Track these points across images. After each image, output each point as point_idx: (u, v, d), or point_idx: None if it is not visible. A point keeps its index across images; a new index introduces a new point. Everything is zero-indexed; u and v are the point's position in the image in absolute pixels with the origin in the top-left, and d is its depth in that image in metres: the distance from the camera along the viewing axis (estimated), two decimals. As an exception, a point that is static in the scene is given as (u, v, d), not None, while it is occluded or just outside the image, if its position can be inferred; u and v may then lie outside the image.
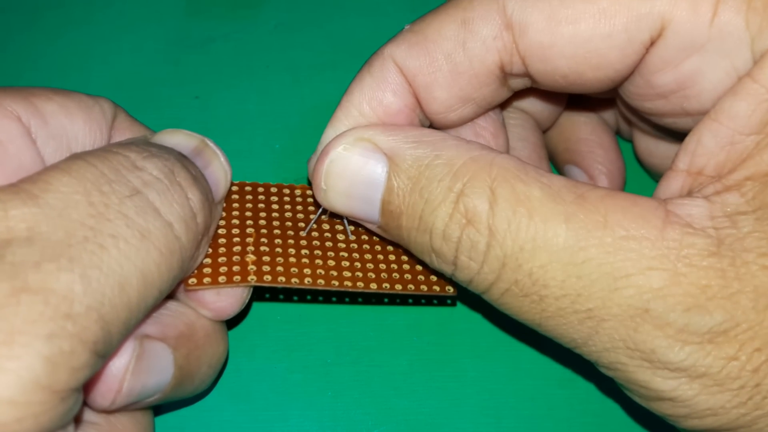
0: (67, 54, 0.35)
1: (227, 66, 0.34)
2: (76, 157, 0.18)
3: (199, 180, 0.20)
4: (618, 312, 0.18)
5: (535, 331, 0.26)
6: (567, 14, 0.20)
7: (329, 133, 0.23)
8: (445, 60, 0.21)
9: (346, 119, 0.23)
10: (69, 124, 0.21)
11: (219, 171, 0.22)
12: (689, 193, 0.20)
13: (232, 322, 0.25)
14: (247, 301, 0.22)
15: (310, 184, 0.25)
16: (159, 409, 0.24)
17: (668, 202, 0.19)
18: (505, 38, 0.21)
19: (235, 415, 0.24)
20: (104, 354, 0.16)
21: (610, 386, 0.25)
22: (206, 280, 0.21)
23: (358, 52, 0.35)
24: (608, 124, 0.30)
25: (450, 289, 0.23)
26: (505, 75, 0.22)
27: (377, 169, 0.21)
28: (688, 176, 0.20)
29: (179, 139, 0.22)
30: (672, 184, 0.21)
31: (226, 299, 0.22)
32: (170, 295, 0.22)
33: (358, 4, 0.38)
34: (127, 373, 0.19)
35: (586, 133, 0.29)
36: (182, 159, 0.20)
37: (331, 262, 0.23)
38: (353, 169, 0.21)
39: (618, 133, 0.31)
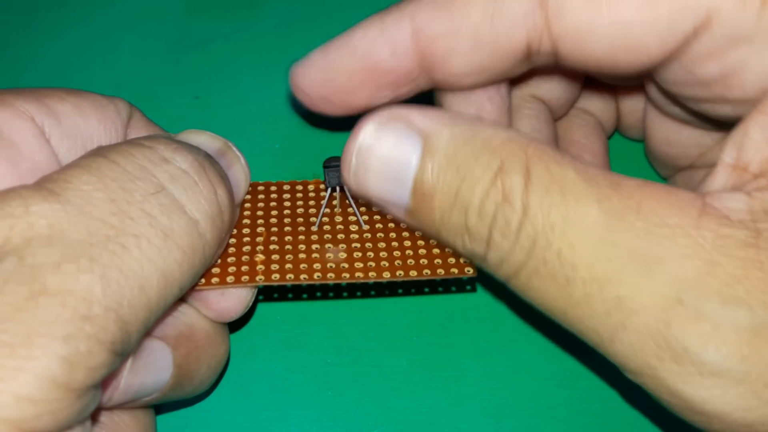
0: (67, 54, 0.35)
1: (227, 66, 0.34)
2: (96, 154, 0.18)
3: (225, 179, 0.20)
4: (649, 302, 0.17)
5: (535, 331, 0.26)
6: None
7: (317, 53, 0.22)
8: (469, 30, 0.21)
9: (336, 56, 0.22)
10: (83, 123, 0.21)
11: (240, 173, 0.22)
12: (733, 189, 0.19)
13: (235, 326, 0.25)
14: (250, 304, 0.22)
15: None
16: (159, 408, 0.24)
17: (706, 195, 0.18)
18: (537, 18, 0.20)
19: (235, 415, 0.24)
20: (122, 353, 0.16)
21: (611, 386, 0.25)
22: (214, 280, 0.21)
23: (358, 52, 0.35)
24: (604, 129, 0.30)
25: (469, 270, 0.22)
26: (530, 52, 0.21)
27: (411, 148, 0.20)
28: (734, 171, 0.19)
29: (203, 139, 0.22)
30: (717, 179, 0.20)
31: (230, 301, 0.22)
32: None
33: (358, 4, 0.38)
34: (125, 369, 0.19)
35: (579, 136, 0.28)
36: (209, 157, 0.20)
37: (342, 254, 0.23)
38: (386, 147, 0.20)
39: (621, 132, 0.31)
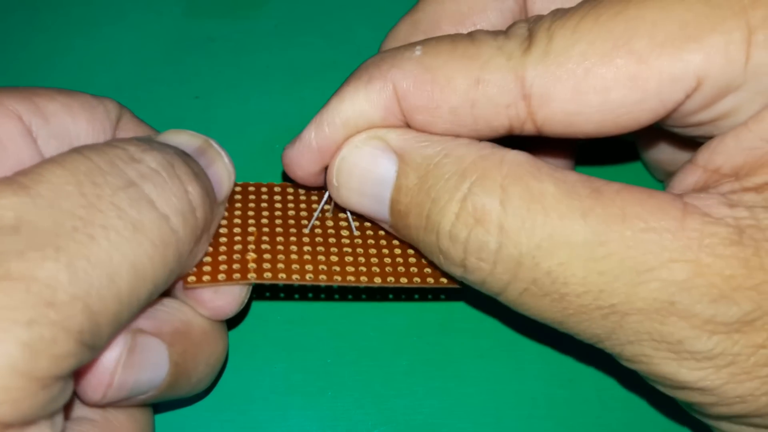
0: (67, 54, 0.35)
1: (227, 66, 0.34)
2: (73, 151, 0.18)
3: (200, 176, 0.20)
4: (643, 306, 0.18)
5: (535, 332, 0.26)
6: (595, 84, 0.19)
7: (311, 131, 0.22)
8: (449, 113, 0.20)
9: (328, 124, 0.22)
10: (72, 123, 0.21)
11: (222, 170, 0.22)
12: (704, 189, 0.20)
13: (232, 323, 0.25)
14: (245, 301, 0.22)
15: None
16: (158, 408, 0.24)
17: (684, 195, 0.19)
18: (520, 108, 0.20)
19: (235, 415, 0.24)
20: (92, 345, 0.16)
21: (612, 386, 0.25)
22: (205, 278, 0.21)
23: (358, 52, 0.35)
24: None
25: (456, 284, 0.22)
26: (511, 132, 0.21)
27: (387, 167, 0.21)
28: (704, 172, 0.20)
29: (183, 139, 0.22)
30: (687, 178, 0.20)
31: (224, 298, 0.22)
32: (168, 293, 0.22)
33: (358, 4, 0.38)
34: (119, 366, 0.19)
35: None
36: (183, 155, 0.20)
37: (334, 258, 0.23)
38: (364, 166, 0.21)
39: None
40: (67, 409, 0.18)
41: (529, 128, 0.20)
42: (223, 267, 0.22)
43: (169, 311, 0.21)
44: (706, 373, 0.18)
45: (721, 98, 0.19)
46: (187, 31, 0.36)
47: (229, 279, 0.21)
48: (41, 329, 0.15)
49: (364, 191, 0.21)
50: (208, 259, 0.22)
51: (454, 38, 0.21)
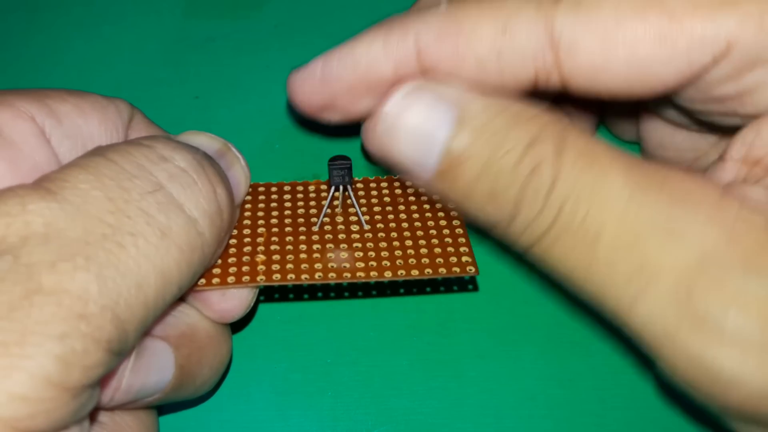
0: (67, 54, 0.35)
1: (227, 66, 0.34)
2: (95, 154, 0.18)
3: (225, 179, 0.20)
4: (671, 269, 0.17)
5: (535, 332, 0.26)
6: (624, 36, 0.19)
7: (318, 63, 0.22)
8: (474, 62, 0.20)
9: (338, 60, 0.21)
10: (84, 124, 0.21)
11: (240, 174, 0.22)
12: (743, 182, 0.19)
13: (237, 327, 0.25)
14: (252, 305, 0.22)
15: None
16: (160, 409, 0.24)
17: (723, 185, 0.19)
18: (547, 57, 0.19)
19: (235, 415, 0.24)
20: (119, 352, 0.16)
21: (612, 386, 0.25)
22: (215, 280, 0.21)
23: (358, 52, 0.35)
24: (592, 130, 0.29)
25: (471, 269, 0.22)
26: (537, 85, 0.21)
27: (443, 116, 0.19)
28: (743, 165, 0.20)
29: (203, 140, 0.22)
30: (726, 173, 0.20)
31: (231, 301, 0.22)
32: None
33: (358, 4, 0.38)
34: (126, 370, 0.19)
35: None
36: (209, 156, 0.20)
37: (344, 253, 0.23)
38: (417, 114, 0.20)
39: (615, 134, 0.31)
40: (93, 413, 0.18)
41: (554, 81, 0.20)
42: (232, 269, 0.22)
43: (176, 315, 0.21)
44: (731, 361, 0.17)
45: (750, 70, 0.18)
46: (187, 31, 0.36)
47: (238, 281, 0.21)
48: (73, 342, 0.15)
49: (414, 140, 0.20)
50: (218, 261, 0.22)
51: None
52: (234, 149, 0.22)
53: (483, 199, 0.20)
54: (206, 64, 0.34)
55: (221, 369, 0.23)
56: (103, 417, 0.20)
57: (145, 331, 0.18)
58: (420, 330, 0.26)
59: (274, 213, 0.24)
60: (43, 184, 0.17)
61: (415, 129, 0.20)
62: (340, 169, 0.23)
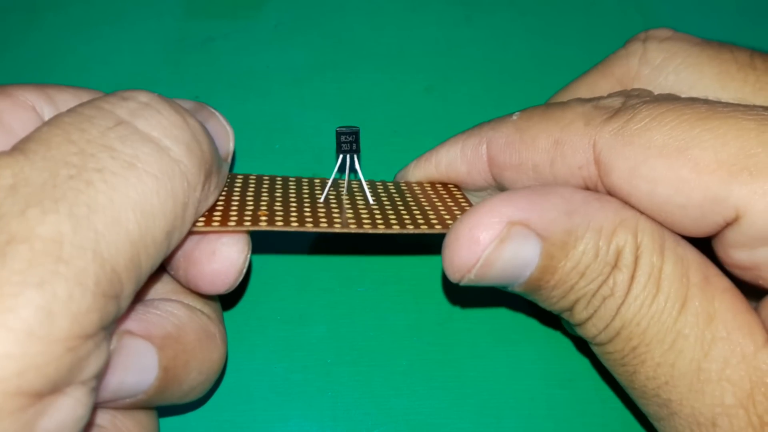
0: (67, 54, 0.35)
1: (227, 66, 0.34)
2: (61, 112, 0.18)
3: (196, 115, 0.20)
4: (690, 413, 0.18)
5: (535, 332, 0.26)
6: (647, 173, 0.19)
7: (414, 163, 0.26)
8: (532, 170, 0.22)
9: (425, 161, 0.26)
10: None
11: (219, 127, 0.22)
12: None
13: (237, 326, 0.25)
14: (243, 271, 0.21)
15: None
16: (160, 409, 0.24)
17: None
18: (591, 171, 0.21)
19: (235, 415, 0.24)
20: (115, 294, 0.16)
21: (611, 386, 0.25)
22: (215, 223, 0.20)
23: (358, 52, 0.35)
24: None
25: None
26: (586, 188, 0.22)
27: (531, 252, 0.20)
28: None
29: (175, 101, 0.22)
30: None
31: (222, 262, 0.21)
32: (162, 267, 0.21)
33: (358, 4, 0.38)
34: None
35: None
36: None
37: (350, 213, 0.22)
38: (507, 256, 0.20)
39: None
40: (92, 415, 0.18)
41: (602, 191, 0.21)
42: (233, 215, 0.21)
43: (161, 314, 0.20)
44: None
45: (762, 245, 0.18)
46: (187, 31, 0.36)
47: (239, 224, 0.20)
48: (54, 288, 0.14)
49: (501, 274, 0.20)
50: (219, 208, 0.21)
51: (549, 104, 0.23)
52: (210, 107, 0.22)
53: (559, 309, 0.21)
54: (206, 64, 0.34)
55: (212, 375, 0.22)
56: (103, 421, 0.20)
57: (144, 273, 0.17)
58: (420, 330, 0.26)
59: (279, 191, 0.24)
60: (15, 145, 0.17)
61: (507, 265, 0.20)
62: (348, 135, 0.23)
